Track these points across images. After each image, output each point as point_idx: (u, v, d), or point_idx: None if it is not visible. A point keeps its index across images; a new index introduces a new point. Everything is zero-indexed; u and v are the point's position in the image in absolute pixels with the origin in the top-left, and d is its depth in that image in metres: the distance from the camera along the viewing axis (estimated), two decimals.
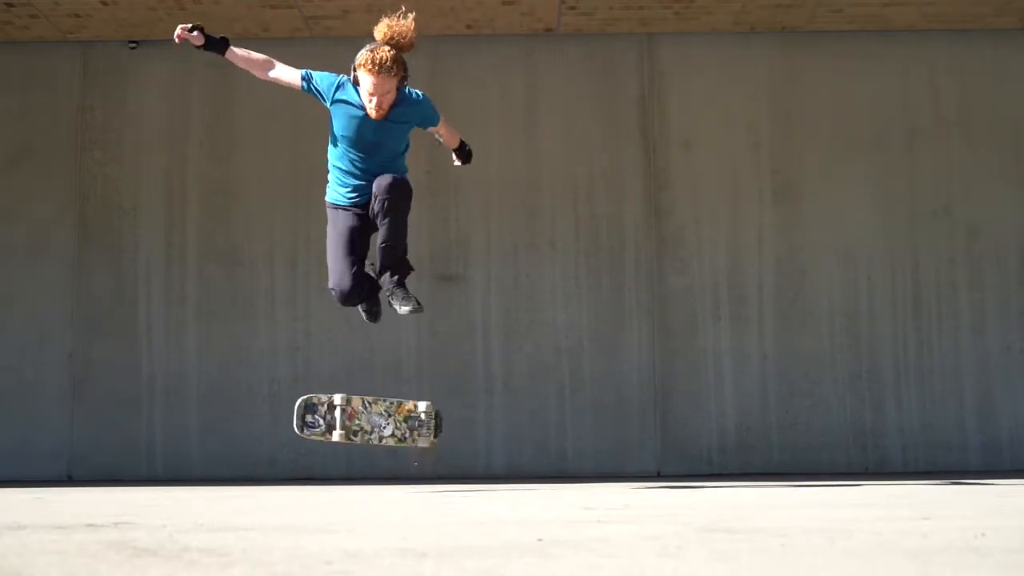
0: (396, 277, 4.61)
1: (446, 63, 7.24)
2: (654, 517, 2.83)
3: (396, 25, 4.41)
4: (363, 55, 4.41)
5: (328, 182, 4.76)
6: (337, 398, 4.95)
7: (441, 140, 4.89)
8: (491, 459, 6.94)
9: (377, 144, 4.59)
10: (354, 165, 4.62)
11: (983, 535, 2.18)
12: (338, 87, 4.58)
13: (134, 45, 7.23)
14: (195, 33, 4.60)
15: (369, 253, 4.74)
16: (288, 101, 7.25)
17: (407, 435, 4.99)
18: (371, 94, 4.42)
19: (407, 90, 4.56)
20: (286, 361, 7.01)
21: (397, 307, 4.59)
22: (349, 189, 4.65)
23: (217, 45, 4.65)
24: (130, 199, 7.14)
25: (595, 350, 6.99)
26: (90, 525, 2.59)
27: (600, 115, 7.19)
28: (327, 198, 4.76)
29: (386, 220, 4.51)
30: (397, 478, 6.64)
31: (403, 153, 4.69)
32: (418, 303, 4.59)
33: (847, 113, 7.18)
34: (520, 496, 4.26)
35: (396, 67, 4.39)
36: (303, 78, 4.62)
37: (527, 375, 6.98)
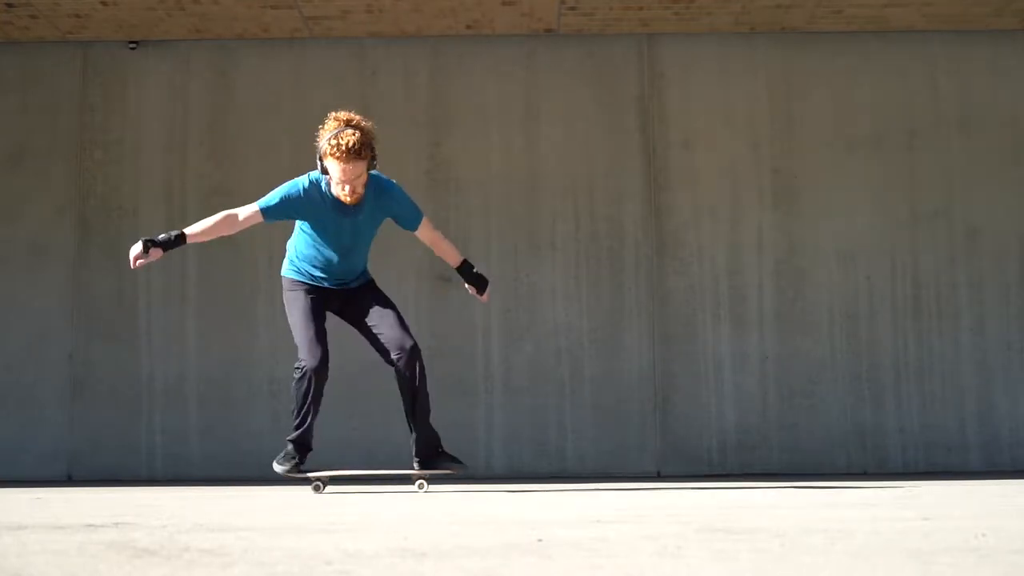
0: (438, 450, 4.70)
1: (446, 63, 7.24)
2: (654, 517, 2.83)
3: (347, 114, 4.39)
4: (326, 145, 4.30)
5: (289, 260, 4.74)
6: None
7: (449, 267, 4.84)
8: (491, 459, 6.94)
9: (352, 246, 4.59)
10: (329, 265, 4.62)
11: (983, 535, 2.18)
12: (303, 194, 4.46)
13: (134, 45, 7.23)
14: (151, 251, 4.46)
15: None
16: (288, 101, 7.26)
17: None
18: (342, 181, 4.32)
19: (376, 174, 4.51)
20: (286, 361, 7.00)
21: (444, 470, 4.65)
22: (320, 278, 4.68)
23: (176, 243, 4.49)
24: (130, 199, 7.14)
25: (595, 350, 6.99)
26: (90, 525, 2.59)
27: (600, 115, 7.19)
28: (288, 275, 4.73)
29: (417, 405, 4.65)
30: (397, 478, 6.64)
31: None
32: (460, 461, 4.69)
33: (847, 113, 7.19)
34: (520, 496, 4.26)
35: (364, 150, 4.31)
36: (264, 213, 4.49)
37: (527, 375, 6.98)
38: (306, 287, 4.68)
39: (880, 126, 7.18)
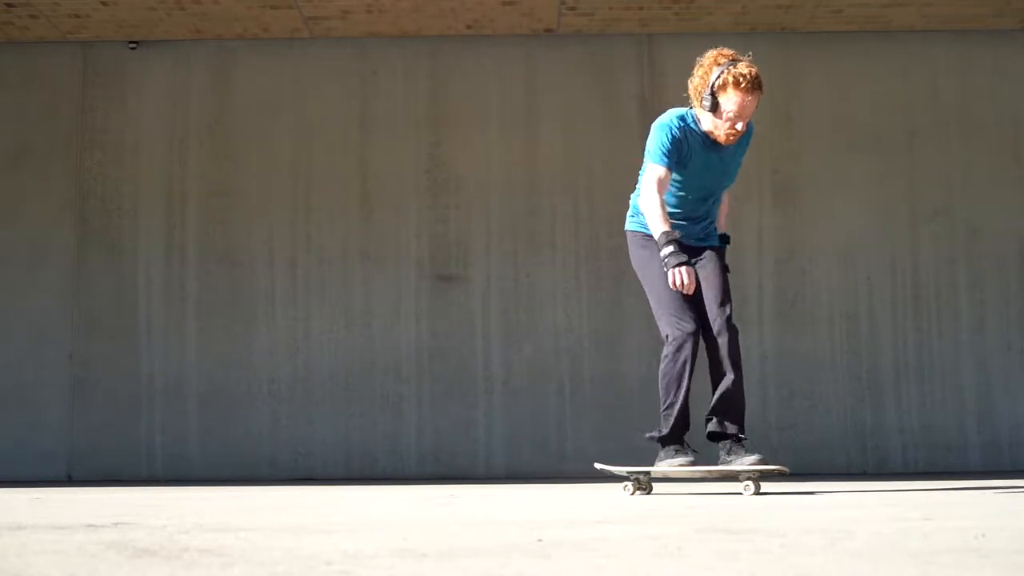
0: (738, 434, 4.17)
1: (446, 63, 7.24)
2: (654, 517, 2.83)
3: (731, 52, 4.12)
4: (726, 75, 4.02)
5: (633, 212, 4.34)
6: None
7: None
8: (491, 459, 6.94)
9: (717, 187, 4.27)
10: (691, 211, 4.25)
11: (984, 535, 2.18)
12: (683, 133, 4.14)
13: (134, 45, 7.23)
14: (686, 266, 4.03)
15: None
16: (288, 101, 7.26)
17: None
18: (738, 117, 4.04)
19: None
20: (286, 361, 7.01)
21: (739, 463, 4.07)
22: (691, 230, 4.26)
23: (677, 239, 4.08)
24: (130, 199, 7.14)
25: (595, 350, 6.99)
26: (90, 525, 2.59)
27: (600, 115, 7.19)
28: (641, 229, 4.27)
29: (735, 374, 4.14)
30: (397, 478, 6.65)
31: None
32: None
33: (847, 113, 7.19)
34: (520, 496, 4.26)
35: (762, 84, 4.04)
36: (670, 168, 4.12)
37: (527, 375, 6.98)
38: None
39: (880, 126, 7.18)
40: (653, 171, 4.13)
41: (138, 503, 3.84)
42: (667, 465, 4.14)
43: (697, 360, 4.19)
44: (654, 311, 4.26)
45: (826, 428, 6.93)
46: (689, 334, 4.11)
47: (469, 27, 7.09)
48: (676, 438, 4.23)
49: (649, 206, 4.09)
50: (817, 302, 7.04)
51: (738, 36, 7.20)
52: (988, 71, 7.22)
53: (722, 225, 4.48)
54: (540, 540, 2.14)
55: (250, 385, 6.99)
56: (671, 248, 4.02)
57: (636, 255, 4.36)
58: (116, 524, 2.63)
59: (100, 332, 7.02)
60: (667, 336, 4.17)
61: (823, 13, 6.92)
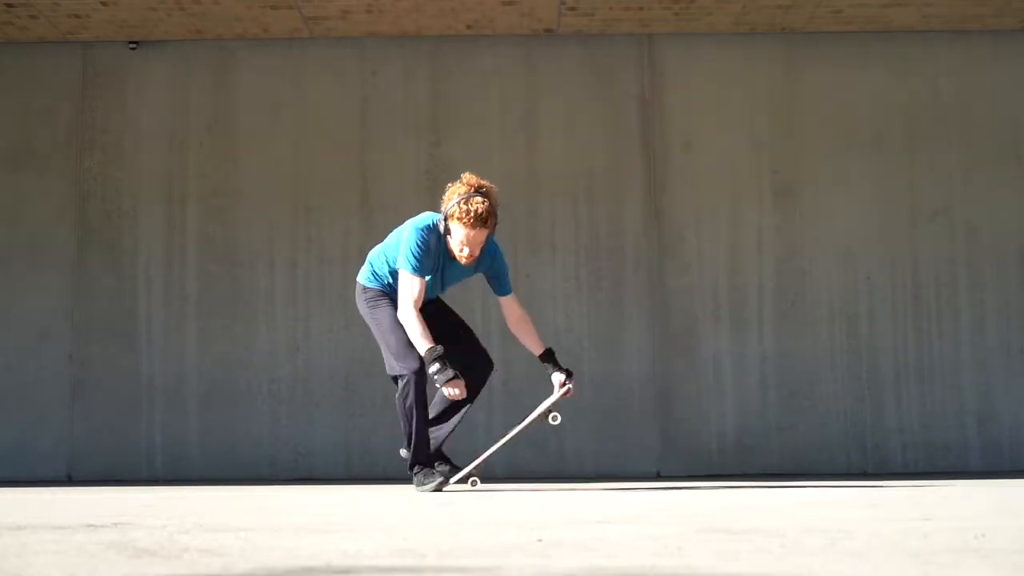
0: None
1: (446, 63, 7.24)
2: (654, 517, 2.83)
3: (476, 178, 4.47)
4: (455, 208, 4.40)
5: (371, 273, 4.75)
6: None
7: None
8: (491, 459, 6.92)
9: (444, 286, 4.76)
10: (426, 294, 4.67)
11: (983, 536, 2.18)
12: (429, 246, 4.54)
13: (134, 45, 7.23)
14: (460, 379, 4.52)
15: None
16: (289, 101, 7.27)
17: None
18: (463, 244, 4.46)
19: (492, 239, 4.63)
20: (286, 361, 7.01)
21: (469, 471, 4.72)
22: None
23: (446, 356, 4.52)
24: (130, 199, 7.14)
25: (595, 350, 6.99)
26: (90, 525, 2.59)
27: (600, 115, 7.19)
28: (375, 286, 4.73)
29: (462, 408, 4.73)
30: (397, 478, 6.64)
31: None
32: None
33: (847, 113, 7.19)
34: (520, 496, 4.26)
35: (490, 219, 4.42)
36: (423, 277, 4.55)
37: (527, 375, 6.97)
38: (389, 297, 4.71)
39: (880, 126, 7.18)
40: (407, 282, 4.53)
41: (138, 503, 3.84)
42: (420, 490, 4.58)
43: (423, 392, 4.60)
44: (383, 353, 4.69)
45: (826, 428, 6.93)
46: (414, 372, 4.54)
47: (469, 27, 7.10)
48: (423, 460, 4.67)
49: (408, 322, 4.51)
50: (817, 302, 7.04)
51: (738, 36, 7.21)
52: (988, 71, 7.22)
53: (539, 344, 4.86)
54: (540, 540, 2.14)
55: (250, 385, 6.99)
56: (438, 365, 4.45)
57: (361, 305, 4.81)
58: (116, 524, 2.63)
59: (100, 332, 7.02)
60: (398, 377, 4.62)
61: (823, 13, 6.92)
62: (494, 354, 7.07)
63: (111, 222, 7.11)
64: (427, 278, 4.58)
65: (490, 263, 4.70)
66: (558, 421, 4.65)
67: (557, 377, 4.76)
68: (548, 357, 4.82)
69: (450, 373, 4.43)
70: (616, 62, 7.22)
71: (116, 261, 7.08)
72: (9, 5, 6.68)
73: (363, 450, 6.94)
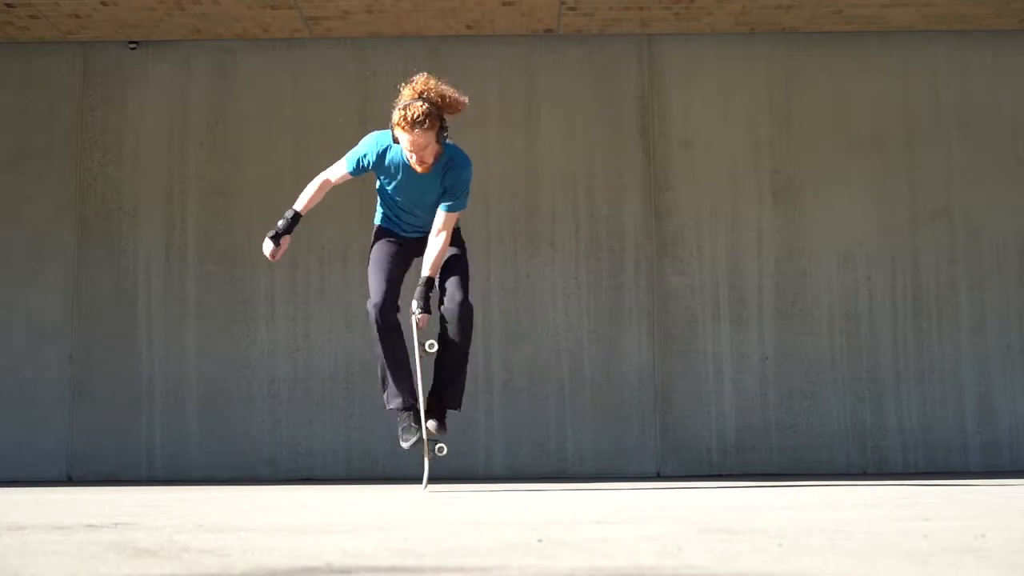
0: (445, 408, 4.67)
1: (446, 63, 7.23)
2: (654, 517, 2.83)
3: (423, 83, 4.50)
4: (395, 113, 4.44)
5: (378, 210, 4.80)
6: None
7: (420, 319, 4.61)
8: (491, 460, 6.94)
9: (421, 202, 4.64)
10: (405, 216, 4.69)
11: (983, 536, 2.18)
12: (377, 156, 4.59)
13: (134, 45, 7.24)
14: (281, 241, 4.63)
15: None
16: (288, 101, 7.27)
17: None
18: (409, 150, 4.44)
19: (451, 144, 4.57)
20: (286, 361, 7.01)
21: (428, 432, 4.59)
22: (404, 228, 4.74)
23: (295, 222, 4.67)
24: (130, 199, 7.14)
25: (595, 350, 6.99)
26: (90, 525, 2.59)
27: (600, 115, 7.19)
28: (377, 222, 4.79)
29: (455, 351, 4.60)
30: (397, 478, 6.64)
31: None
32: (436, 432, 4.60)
33: (847, 113, 7.19)
34: (520, 496, 4.26)
35: (429, 120, 4.38)
36: (350, 172, 4.63)
37: (527, 375, 6.98)
38: (388, 233, 4.76)
39: (880, 126, 7.18)
40: (335, 166, 4.67)
41: (138, 503, 3.84)
42: (402, 442, 4.66)
43: (395, 341, 4.59)
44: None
45: (826, 428, 6.94)
46: (374, 306, 4.56)
47: (469, 27, 7.10)
48: (395, 405, 4.70)
49: (304, 194, 4.69)
50: (817, 302, 7.04)
51: (738, 36, 7.21)
52: (988, 71, 7.22)
53: (427, 266, 4.61)
54: (540, 540, 2.14)
55: (250, 385, 6.99)
56: (280, 223, 4.62)
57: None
58: (116, 524, 2.63)
59: (100, 332, 7.03)
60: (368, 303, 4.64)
61: (823, 13, 6.92)
62: (494, 354, 7.10)
63: (111, 222, 7.11)
64: (389, 186, 4.60)
65: (452, 171, 4.56)
66: (435, 348, 4.58)
67: (415, 306, 4.57)
68: (425, 284, 4.60)
69: (272, 232, 4.55)
70: (616, 62, 7.22)
71: (116, 261, 7.08)
72: (9, 5, 6.68)
73: (363, 450, 6.94)
